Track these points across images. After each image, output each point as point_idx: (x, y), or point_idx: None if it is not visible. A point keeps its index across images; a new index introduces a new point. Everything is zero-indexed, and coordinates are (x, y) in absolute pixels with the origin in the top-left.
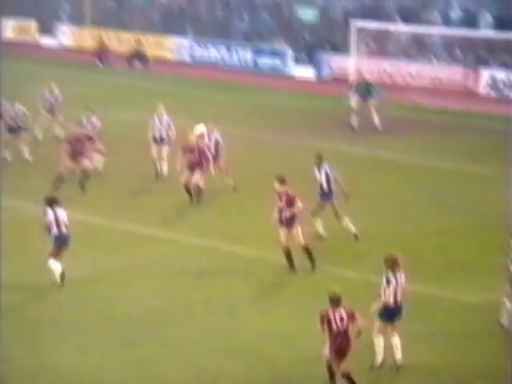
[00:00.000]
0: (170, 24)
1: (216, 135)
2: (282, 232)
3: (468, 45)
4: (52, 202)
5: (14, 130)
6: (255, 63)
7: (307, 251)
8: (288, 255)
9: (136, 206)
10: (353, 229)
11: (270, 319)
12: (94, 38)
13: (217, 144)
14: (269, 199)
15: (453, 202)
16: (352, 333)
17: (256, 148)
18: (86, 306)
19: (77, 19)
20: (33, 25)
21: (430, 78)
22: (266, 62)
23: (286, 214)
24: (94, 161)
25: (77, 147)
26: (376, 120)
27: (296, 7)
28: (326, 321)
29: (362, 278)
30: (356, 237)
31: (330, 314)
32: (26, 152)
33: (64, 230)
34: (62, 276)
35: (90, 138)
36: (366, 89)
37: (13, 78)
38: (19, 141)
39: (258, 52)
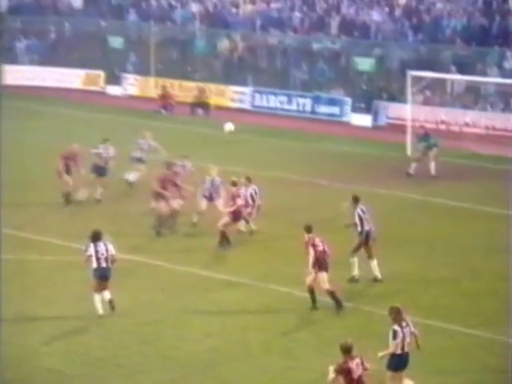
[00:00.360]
0: (231, 73)
1: (252, 187)
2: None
3: None
4: (95, 237)
5: (99, 170)
6: (314, 111)
7: (332, 295)
8: (312, 293)
9: (194, 249)
10: (378, 274)
11: (327, 360)
12: (158, 87)
13: (252, 195)
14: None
15: (508, 247)
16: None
17: (313, 193)
18: (147, 346)
19: (142, 69)
20: (101, 75)
21: (485, 126)
22: (324, 110)
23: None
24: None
25: (167, 188)
26: (432, 168)
27: (354, 57)
28: (345, 371)
29: (417, 322)
30: (376, 280)
31: (349, 363)
32: (99, 193)
33: (104, 264)
34: (111, 304)
35: (174, 183)
36: (427, 140)
37: (81, 125)
38: (99, 182)
39: (317, 100)
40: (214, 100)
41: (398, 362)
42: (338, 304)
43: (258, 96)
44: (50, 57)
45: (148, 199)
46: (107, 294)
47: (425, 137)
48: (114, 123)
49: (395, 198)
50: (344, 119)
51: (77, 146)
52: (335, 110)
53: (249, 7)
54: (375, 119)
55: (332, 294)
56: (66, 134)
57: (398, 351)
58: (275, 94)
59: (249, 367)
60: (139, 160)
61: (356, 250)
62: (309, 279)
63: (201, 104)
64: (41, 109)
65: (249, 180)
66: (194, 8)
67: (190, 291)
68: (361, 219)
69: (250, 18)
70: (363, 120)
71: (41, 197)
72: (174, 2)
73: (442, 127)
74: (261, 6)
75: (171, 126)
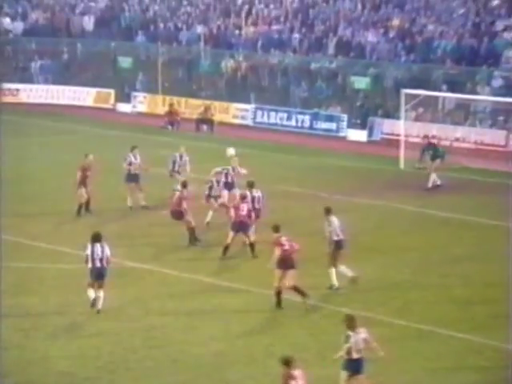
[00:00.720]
0: (235, 91)
1: (256, 194)
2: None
3: (509, 110)
4: (94, 239)
5: (133, 177)
6: (312, 127)
7: (295, 289)
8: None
9: (201, 258)
10: (349, 273)
11: (327, 363)
12: (165, 104)
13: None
14: (319, 251)
15: (499, 256)
16: None
17: (313, 205)
18: (156, 350)
19: (150, 88)
20: (112, 93)
21: (474, 141)
22: (322, 126)
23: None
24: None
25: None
26: (432, 179)
27: (350, 76)
28: (292, 377)
29: (412, 327)
30: (354, 280)
31: (292, 372)
32: (142, 199)
33: (98, 264)
34: (97, 302)
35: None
36: (433, 151)
37: (93, 140)
38: (136, 188)
39: (315, 117)
40: (218, 117)
41: (354, 366)
42: (303, 295)
43: (259, 113)
44: (63, 76)
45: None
46: (100, 293)
47: (430, 147)
48: (124, 139)
49: (390, 209)
50: (341, 134)
51: (92, 158)
52: (332, 125)
53: (251, 29)
54: (370, 134)
55: (295, 288)
56: (78, 149)
57: (354, 356)
58: (276, 111)
59: (252, 370)
60: (176, 172)
61: (331, 260)
62: (276, 281)
63: (205, 120)
64: (55, 125)
65: (251, 185)
66: (199, 30)
67: (196, 297)
68: (329, 231)
69: (252, 39)
70: (359, 135)
71: (55, 208)
72: (180, 24)
73: (434, 142)
74: (262, 27)
75: (177, 142)
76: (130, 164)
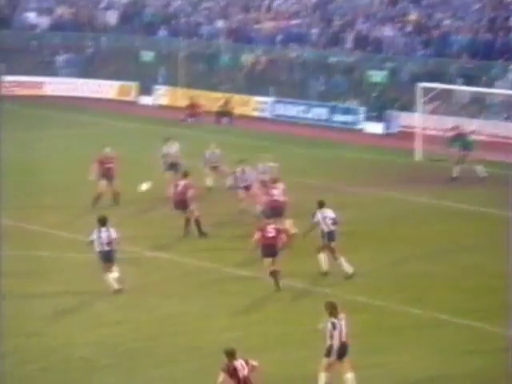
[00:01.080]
0: (254, 85)
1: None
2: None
3: None
4: (100, 223)
5: (173, 166)
6: (330, 120)
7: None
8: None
9: (222, 248)
10: (350, 270)
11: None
12: (186, 97)
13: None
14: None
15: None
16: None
17: (330, 196)
18: (174, 337)
19: (171, 81)
20: (134, 86)
21: (489, 134)
22: (339, 118)
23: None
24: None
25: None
26: (457, 170)
27: (367, 70)
28: (231, 370)
29: (429, 316)
30: (349, 276)
31: (235, 364)
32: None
33: (106, 247)
34: (118, 281)
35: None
36: (462, 141)
37: (115, 133)
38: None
39: (333, 110)
40: (237, 109)
41: (339, 351)
42: (277, 286)
43: (278, 106)
44: (86, 70)
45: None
46: (114, 274)
47: (459, 137)
48: (145, 131)
49: (406, 201)
50: (358, 127)
51: (109, 150)
52: (350, 118)
53: (270, 24)
54: (387, 127)
55: (274, 273)
56: (101, 141)
57: (337, 341)
58: (294, 104)
59: (267, 357)
60: (214, 168)
61: (320, 248)
62: (265, 267)
63: (225, 113)
64: (78, 118)
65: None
66: (220, 24)
67: (215, 286)
68: (320, 223)
69: (272, 33)
70: (376, 128)
71: (77, 199)
72: (201, 19)
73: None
74: (281, 22)
75: (197, 134)
76: (166, 156)
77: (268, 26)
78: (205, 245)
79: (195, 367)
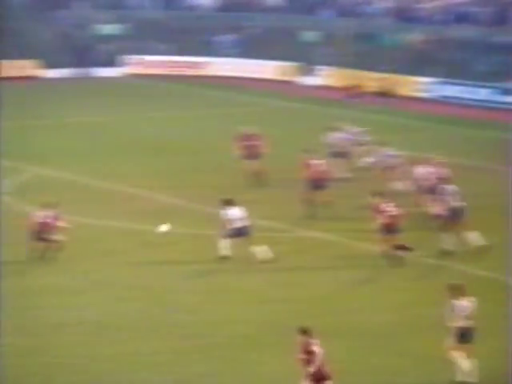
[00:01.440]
0: (417, 65)
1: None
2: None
3: None
4: (226, 204)
5: (338, 154)
6: (496, 101)
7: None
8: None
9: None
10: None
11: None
12: (347, 78)
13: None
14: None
15: None
16: None
17: (491, 179)
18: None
19: (333, 61)
20: (295, 67)
21: None
22: (503, 99)
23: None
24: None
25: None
26: None
27: None
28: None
29: None
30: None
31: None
32: (342, 171)
33: (239, 224)
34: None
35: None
36: None
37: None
38: (341, 164)
39: (496, 91)
40: (400, 90)
41: (461, 335)
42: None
43: (439, 86)
44: (247, 50)
45: None
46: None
47: None
48: (305, 112)
49: None
50: None
51: (251, 130)
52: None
53: (434, 3)
54: None
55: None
56: (259, 120)
57: (461, 324)
58: (456, 85)
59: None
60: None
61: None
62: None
63: (387, 94)
64: (238, 97)
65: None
66: (384, 4)
67: (364, 268)
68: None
69: (435, 13)
70: None
71: (224, 179)
72: None
73: None
74: (445, 1)
75: (360, 115)
76: (333, 145)
77: (432, 5)
78: (357, 226)
79: (356, 345)
